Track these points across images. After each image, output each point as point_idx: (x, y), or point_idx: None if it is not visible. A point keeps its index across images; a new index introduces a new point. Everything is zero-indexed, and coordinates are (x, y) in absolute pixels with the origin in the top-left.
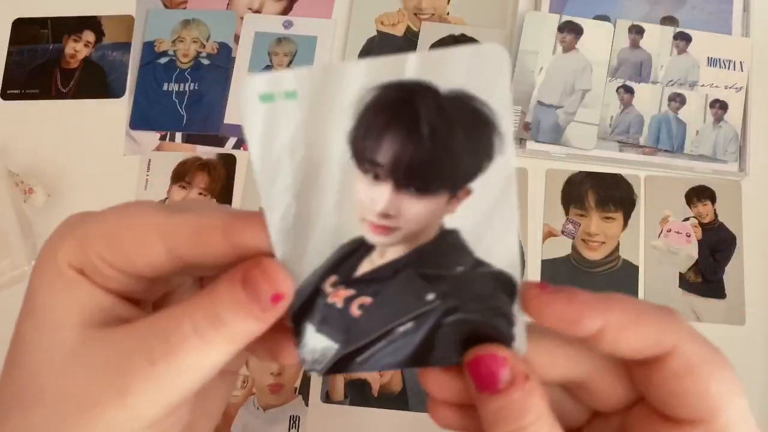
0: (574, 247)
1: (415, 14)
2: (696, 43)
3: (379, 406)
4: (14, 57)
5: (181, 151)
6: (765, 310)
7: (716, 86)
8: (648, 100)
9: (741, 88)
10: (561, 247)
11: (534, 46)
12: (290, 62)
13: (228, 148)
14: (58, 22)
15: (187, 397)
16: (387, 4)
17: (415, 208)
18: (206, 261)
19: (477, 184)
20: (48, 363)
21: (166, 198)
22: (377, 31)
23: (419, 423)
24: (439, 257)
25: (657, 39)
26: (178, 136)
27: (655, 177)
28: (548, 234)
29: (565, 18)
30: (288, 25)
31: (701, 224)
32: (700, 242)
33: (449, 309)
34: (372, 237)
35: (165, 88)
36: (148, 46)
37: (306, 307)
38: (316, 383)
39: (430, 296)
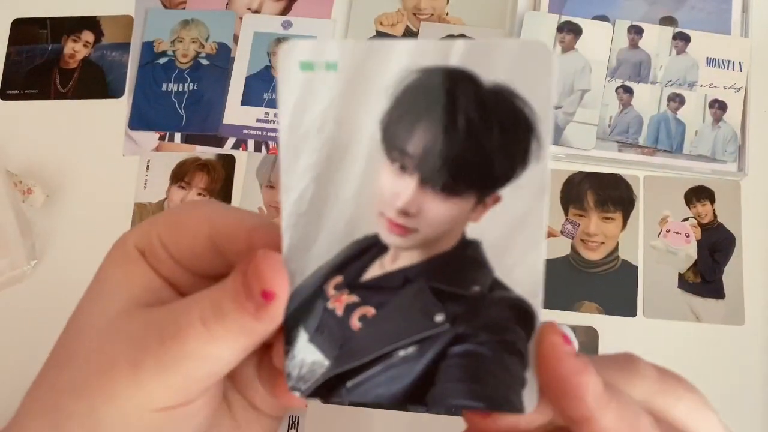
0: (573, 248)
1: (414, 14)
2: (695, 43)
3: (378, 407)
4: (13, 57)
5: (180, 152)
6: (764, 310)
7: (715, 86)
8: (647, 100)
9: (740, 88)
10: (560, 248)
11: None
12: None
13: (227, 148)
14: (57, 22)
15: (196, 388)
16: (386, 5)
17: (438, 210)
18: (233, 254)
19: (507, 192)
20: (88, 328)
21: (165, 198)
22: (376, 31)
23: (418, 423)
24: (456, 271)
25: (656, 39)
26: (177, 136)
27: (655, 177)
28: (547, 234)
29: (564, 18)
30: (287, 25)
31: (700, 224)
32: (699, 242)
33: (458, 336)
34: (387, 236)
35: (164, 88)
36: (147, 47)
37: (304, 308)
38: None
39: (439, 317)
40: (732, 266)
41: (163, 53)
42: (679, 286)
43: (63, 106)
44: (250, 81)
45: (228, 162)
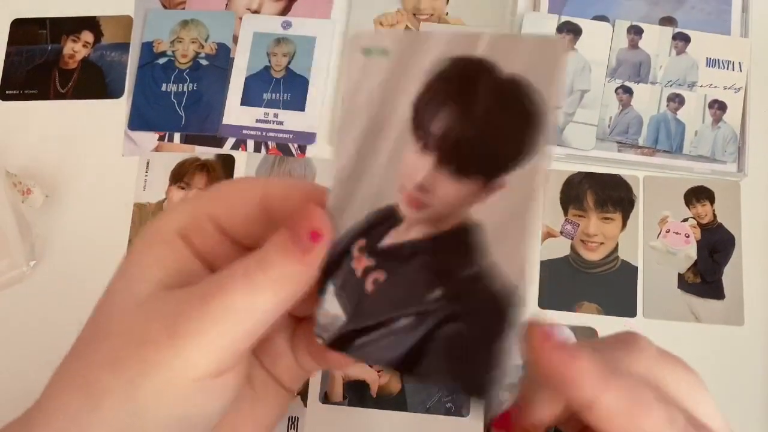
0: (572, 248)
1: (414, 15)
2: (695, 43)
3: (377, 407)
4: (13, 57)
5: (179, 152)
6: (764, 310)
7: (715, 87)
8: (647, 100)
9: (740, 88)
10: (559, 248)
11: None
12: (289, 63)
13: (227, 148)
14: (57, 22)
15: (234, 350)
16: (386, 5)
17: (450, 189)
18: (286, 218)
19: (511, 178)
20: (121, 308)
21: (165, 198)
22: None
23: (418, 424)
24: (456, 250)
25: (656, 39)
26: (177, 136)
27: (654, 177)
28: (547, 234)
29: (564, 18)
30: (287, 25)
31: (700, 225)
32: (699, 243)
33: (449, 315)
34: (405, 208)
35: (163, 88)
36: (147, 47)
37: (334, 265)
38: (314, 384)
39: (437, 293)
40: (731, 267)
41: (163, 53)
42: (678, 287)
43: (62, 107)
44: (249, 81)
45: (227, 162)
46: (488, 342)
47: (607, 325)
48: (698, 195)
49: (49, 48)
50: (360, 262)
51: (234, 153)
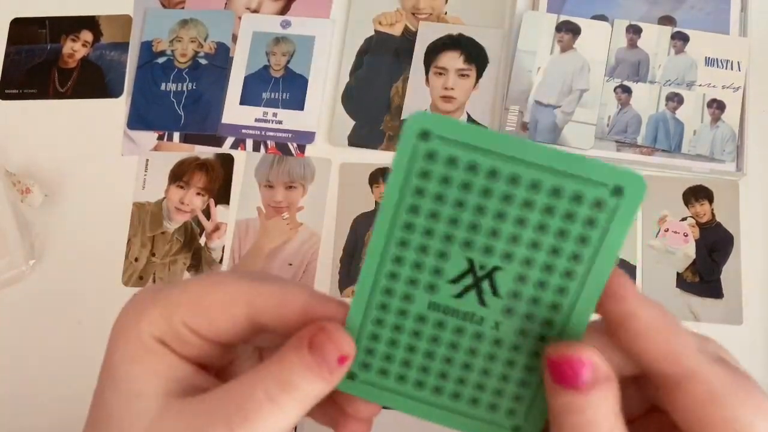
0: None
1: (413, 14)
2: (693, 42)
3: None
4: (12, 57)
5: (179, 151)
6: (763, 309)
7: (714, 86)
8: (645, 99)
9: (738, 87)
10: None
11: (531, 45)
12: (288, 62)
13: (226, 147)
14: (56, 21)
15: None
16: (385, 4)
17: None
18: (281, 330)
19: None
20: (132, 430)
21: (164, 198)
22: (375, 30)
23: (419, 423)
24: None
25: (655, 39)
26: (176, 135)
27: (653, 177)
28: None
29: (563, 18)
30: (286, 24)
31: (699, 224)
32: (697, 242)
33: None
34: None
35: (163, 87)
36: (146, 46)
37: None
38: None
39: None
40: (730, 266)
41: (162, 53)
42: (677, 286)
43: (62, 106)
44: (248, 80)
45: (227, 161)
46: None
47: None
48: (697, 194)
49: (49, 47)
50: None
51: (233, 152)
